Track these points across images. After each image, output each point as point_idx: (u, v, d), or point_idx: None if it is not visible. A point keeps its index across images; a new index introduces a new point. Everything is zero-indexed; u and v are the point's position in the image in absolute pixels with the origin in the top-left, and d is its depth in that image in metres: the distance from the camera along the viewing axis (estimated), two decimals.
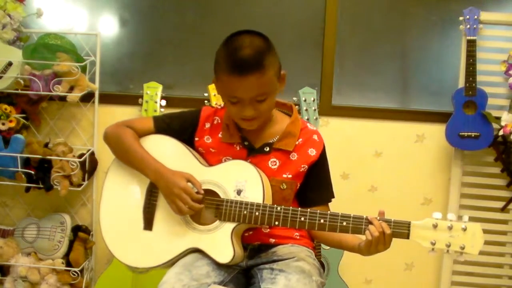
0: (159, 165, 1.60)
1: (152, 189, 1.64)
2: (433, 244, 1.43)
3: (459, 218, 1.44)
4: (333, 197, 1.71)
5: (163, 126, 1.70)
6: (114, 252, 1.63)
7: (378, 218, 1.47)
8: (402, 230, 1.46)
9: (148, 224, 1.62)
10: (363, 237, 1.50)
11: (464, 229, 1.42)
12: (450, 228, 1.42)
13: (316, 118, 2.56)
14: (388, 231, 1.45)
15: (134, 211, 1.64)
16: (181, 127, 1.70)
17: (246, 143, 1.65)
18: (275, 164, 1.63)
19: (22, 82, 2.51)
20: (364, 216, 1.48)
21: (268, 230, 1.65)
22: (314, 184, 1.67)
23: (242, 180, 1.56)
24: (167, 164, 1.61)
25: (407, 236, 1.45)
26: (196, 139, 1.70)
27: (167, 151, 1.64)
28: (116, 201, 1.67)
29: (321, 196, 1.69)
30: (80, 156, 2.61)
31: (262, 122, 1.61)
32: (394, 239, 1.47)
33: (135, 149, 1.64)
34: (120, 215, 1.65)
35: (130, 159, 1.65)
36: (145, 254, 1.60)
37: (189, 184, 1.56)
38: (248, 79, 1.48)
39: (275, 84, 1.56)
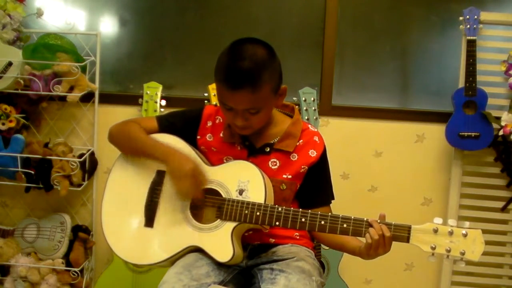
0: (167, 146, 1.61)
1: (154, 186, 1.65)
2: (433, 248, 1.43)
3: (459, 219, 1.45)
4: (333, 198, 1.72)
5: (167, 125, 1.71)
6: (115, 248, 1.63)
7: (379, 221, 1.47)
8: (402, 233, 1.46)
9: (149, 221, 1.62)
10: (364, 240, 1.50)
11: (465, 235, 1.42)
12: (451, 233, 1.43)
13: (316, 118, 2.56)
14: (388, 234, 1.44)
15: (135, 208, 1.64)
16: (184, 125, 1.71)
17: (247, 143, 1.66)
18: (275, 165, 1.63)
19: (22, 82, 2.51)
20: (365, 219, 1.48)
21: (268, 230, 1.66)
22: (314, 185, 1.67)
23: (244, 180, 1.56)
24: None
25: (407, 240, 1.45)
26: (198, 137, 1.71)
27: None
28: (119, 197, 1.68)
29: (321, 198, 1.69)
30: (80, 156, 2.61)
31: (255, 130, 1.61)
32: (393, 242, 1.47)
33: (141, 135, 1.65)
34: (121, 211, 1.66)
35: (136, 145, 1.66)
36: (145, 251, 1.60)
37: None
38: (241, 92, 1.48)
39: (270, 100, 1.55)
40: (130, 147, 1.69)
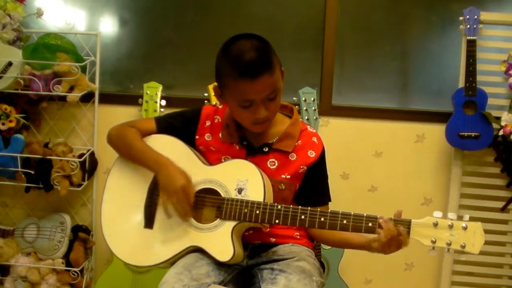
0: (161, 156, 1.61)
1: (154, 187, 1.65)
2: (434, 242, 1.42)
3: (460, 218, 1.44)
4: (330, 200, 1.72)
5: (166, 125, 1.71)
6: (114, 250, 1.63)
7: (379, 217, 1.47)
8: (402, 228, 1.45)
9: (149, 222, 1.63)
10: (367, 235, 1.49)
11: (465, 228, 1.42)
12: (451, 226, 1.42)
13: (316, 118, 2.56)
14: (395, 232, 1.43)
15: (135, 209, 1.64)
16: (183, 125, 1.71)
17: (245, 143, 1.66)
18: (274, 165, 1.63)
19: (22, 82, 2.51)
20: (364, 214, 1.48)
21: (269, 229, 1.65)
22: (312, 186, 1.67)
23: (243, 179, 1.56)
24: None
25: (407, 234, 1.45)
26: (197, 137, 1.71)
27: (169, 150, 1.64)
28: (118, 199, 1.68)
29: (319, 198, 1.69)
30: (80, 156, 2.61)
31: (271, 121, 1.61)
32: None
33: (137, 143, 1.66)
34: (121, 213, 1.66)
35: (132, 152, 1.67)
36: (145, 252, 1.60)
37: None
38: (261, 80, 1.49)
39: (281, 80, 1.58)
40: (127, 153, 1.70)
